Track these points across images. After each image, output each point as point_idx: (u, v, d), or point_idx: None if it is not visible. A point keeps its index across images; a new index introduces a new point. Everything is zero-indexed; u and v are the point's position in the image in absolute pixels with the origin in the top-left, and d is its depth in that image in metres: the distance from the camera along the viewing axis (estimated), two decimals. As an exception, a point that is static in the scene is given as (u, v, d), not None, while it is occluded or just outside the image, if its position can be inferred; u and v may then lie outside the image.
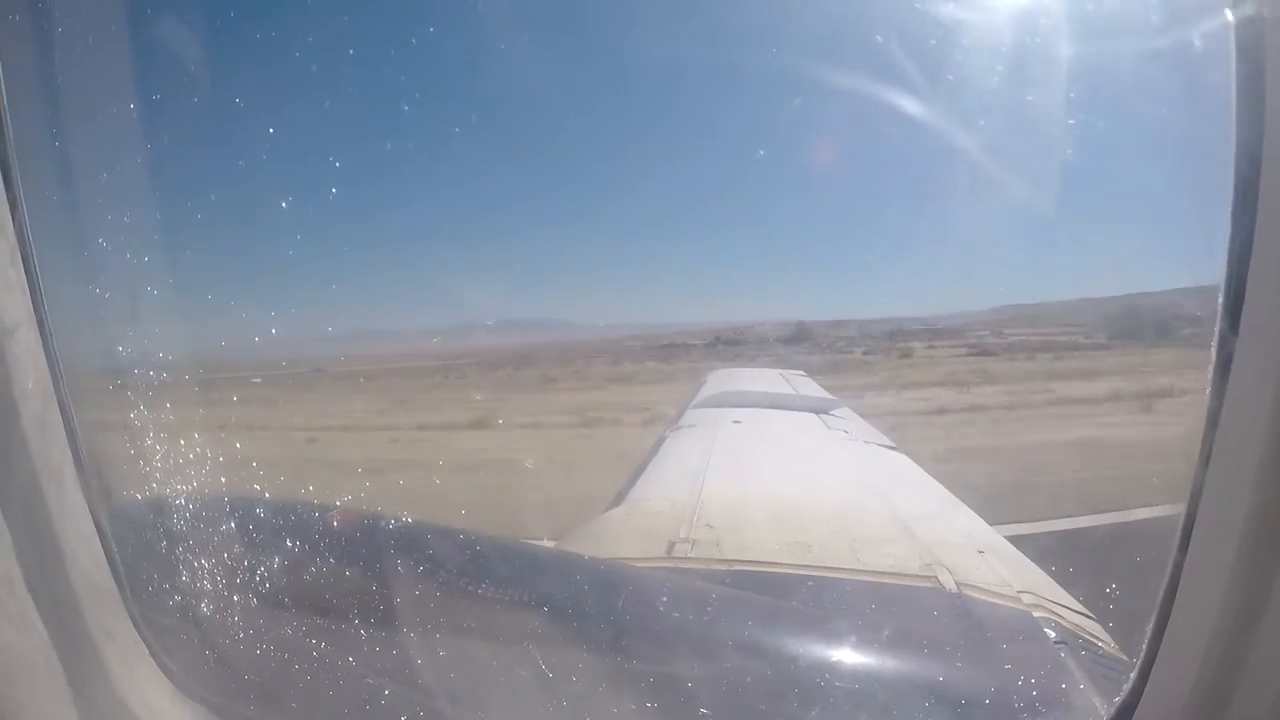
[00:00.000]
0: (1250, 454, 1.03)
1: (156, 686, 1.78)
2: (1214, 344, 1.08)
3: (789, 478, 5.00)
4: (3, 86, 1.60)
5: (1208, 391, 1.10)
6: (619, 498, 4.80)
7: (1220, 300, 1.07)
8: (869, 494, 4.55)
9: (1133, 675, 1.32)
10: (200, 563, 2.26)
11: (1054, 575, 3.05)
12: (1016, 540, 3.59)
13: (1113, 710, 1.40)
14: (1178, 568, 1.17)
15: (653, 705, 1.98)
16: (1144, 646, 1.27)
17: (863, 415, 8.36)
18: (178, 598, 2.17)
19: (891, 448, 6.38)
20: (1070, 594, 2.81)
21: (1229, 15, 1.03)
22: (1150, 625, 1.24)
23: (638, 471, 5.50)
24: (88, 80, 2.17)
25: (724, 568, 2.92)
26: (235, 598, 2.27)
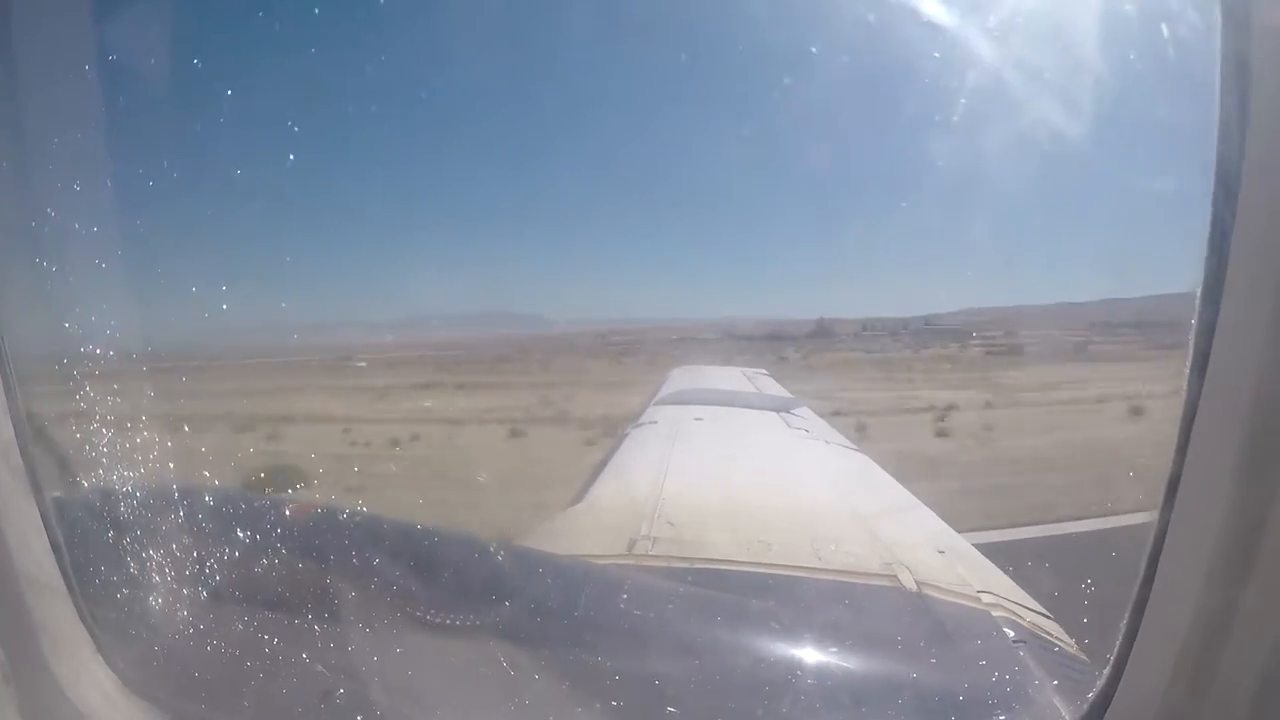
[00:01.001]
0: (1225, 452, 1.04)
1: (102, 682, 1.73)
2: (1189, 344, 1.10)
3: (750, 476, 5.01)
4: None
5: (1184, 389, 1.11)
6: (580, 494, 4.77)
7: (1197, 303, 1.08)
8: (830, 493, 4.59)
9: (1106, 672, 1.34)
10: (150, 556, 2.20)
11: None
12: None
13: (1084, 708, 1.41)
14: (1152, 565, 1.18)
15: (614, 703, 1.97)
16: (1117, 644, 1.28)
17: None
18: (126, 591, 2.11)
19: (851, 448, 6.44)
20: (1029, 593, 2.85)
21: (1217, 17, 1.04)
22: (1124, 623, 1.26)
23: (599, 468, 5.47)
24: (37, 62, 2.09)
25: (685, 565, 2.91)
26: (185, 592, 2.21)
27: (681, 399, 8.30)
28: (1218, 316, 1.05)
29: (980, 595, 2.67)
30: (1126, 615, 1.24)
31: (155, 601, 2.15)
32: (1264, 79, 0.98)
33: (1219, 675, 1.09)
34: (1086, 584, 3.45)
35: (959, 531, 3.81)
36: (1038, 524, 10.92)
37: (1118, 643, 1.28)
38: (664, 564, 2.94)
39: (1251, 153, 1.00)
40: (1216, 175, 1.04)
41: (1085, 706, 1.40)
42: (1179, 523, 1.14)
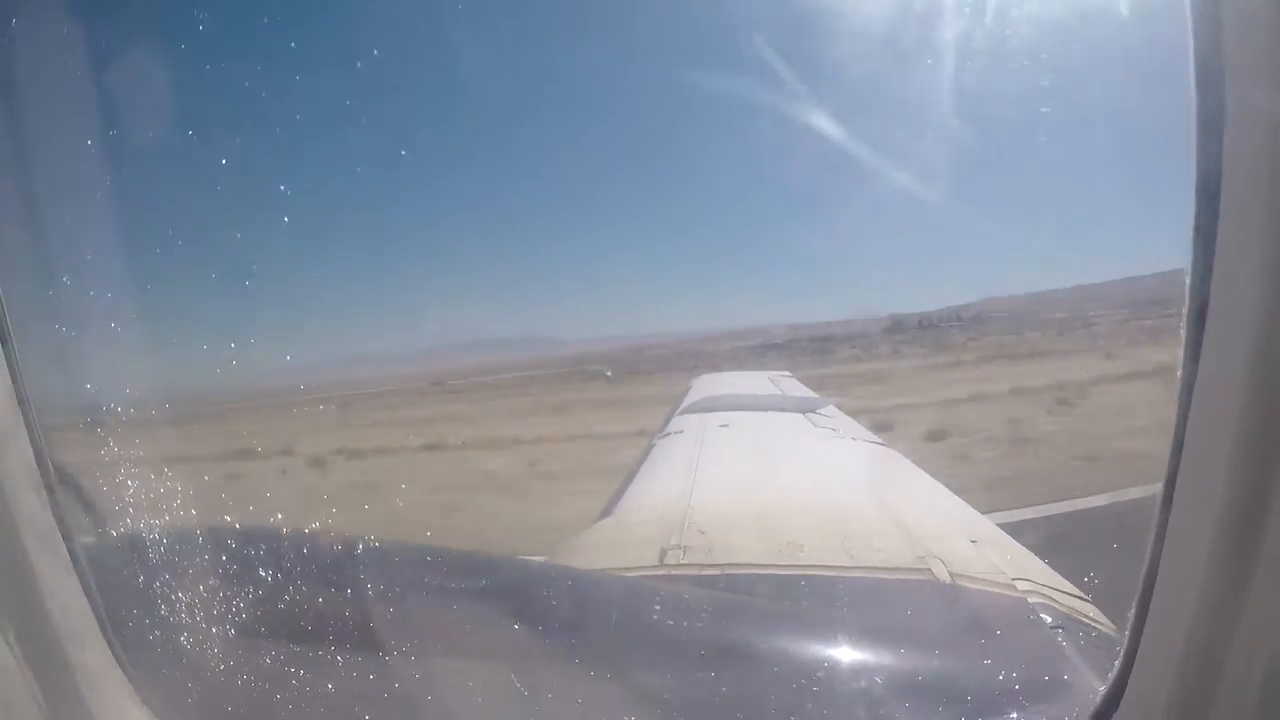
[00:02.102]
0: (1223, 436, 1.02)
1: (125, 702, 1.75)
2: (1182, 329, 1.08)
3: (778, 479, 4.99)
4: None
5: (1179, 374, 1.09)
6: (608, 508, 4.77)
7: (1187, 284, 1.06)
8: (859, 490, 4.55)
9: (1118, 662, 1.31)
10: (180, 596, 2.22)
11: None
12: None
13: (1098, 699, 1.39)
14: (1157, 551, 1.16)
15: (653, 716, 1.96)
16: (1127, 632, 1.26)
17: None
18: (158, 633, 2.13)
19: (880, 443, 6.39)
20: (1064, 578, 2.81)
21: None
22: (1132, 611, 1.24)
23: (626, 480, 5.47)
24: (55, 108, 2.14)
25: (717, 572, 2.90)
26: (216, 630, 2.23)
27: (705, 406, 8.29)
28: (1208, 302, 1.04)
29: (1015, 582, 2.63)
30: (1133, 610, 1.22)
31: (187, 641, 2.17)
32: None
33: (1227, 666, 1.06)
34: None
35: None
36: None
37: (1127, 631, 1.25)
38: (696, 572, 2.93)
39: (1230, 137, 0.99)
40: (1197, 163, 1.03)
41: (1098, 698, 1.37)
42: (1179, 514, 1.12)
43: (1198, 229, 1.04)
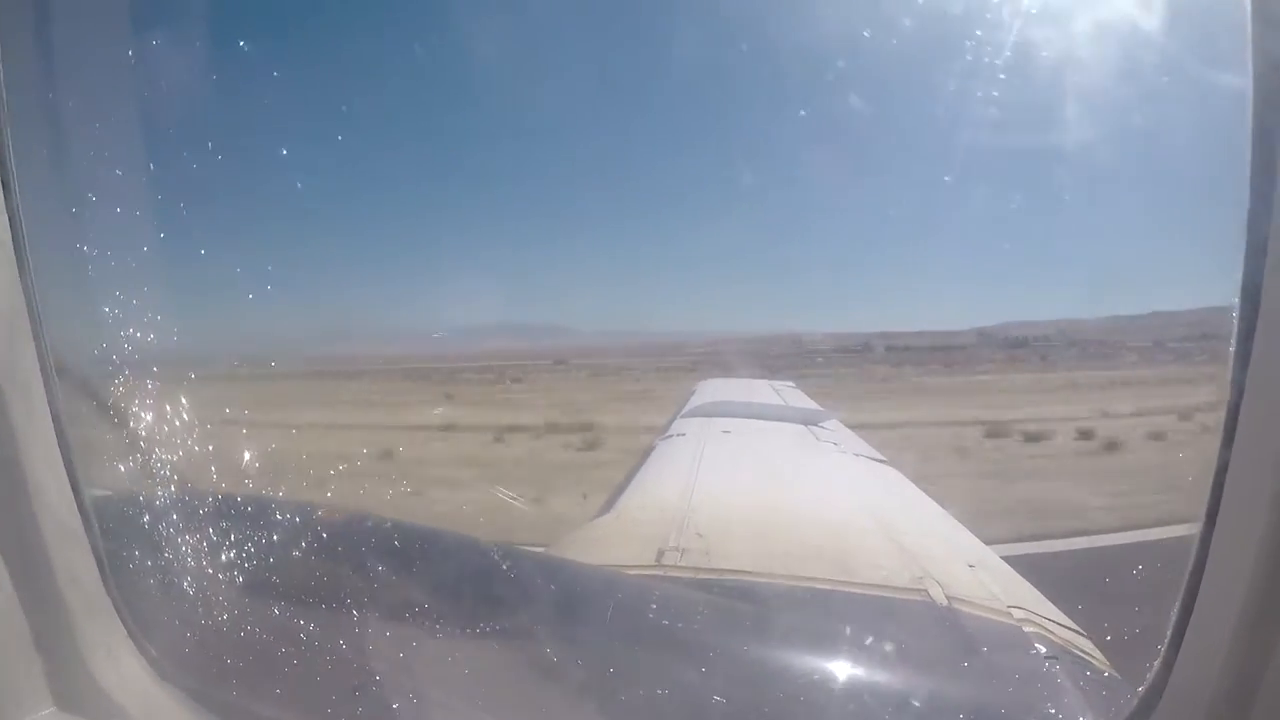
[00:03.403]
0: (1267, 464, 1.02)
1: (131, 667, 1.77)
2: (1230, 353, 1.08)
3: (779, 488, 4.98)
4: (2, 84, 1.60)
5: (1225, 401, 1.09)
6: (608, 505, 4.77)
7: (1235, 315, 1.06)
8: (859, 506, 4.54)
9: (1150, 677, 1.31)
10: (183, 549, 2.24)
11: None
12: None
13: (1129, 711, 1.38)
14: (1197, 573, 1.16)
15: (641, 714, 1.96)
16: (1162, 651, 1.26)
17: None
18: (159, 582, 2.15)
19: (881, 460, 6.37)
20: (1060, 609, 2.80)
21: (1246, 17, 1.02)
22: (1168, 635, 1.23)
23: (627, 479, 5.47)
24: (86, 75, 2.16)
25: (713, 576, 2.90)
26: (217, 585, 2.25)
27: (709, 411, 8.27)
28: (1256, 321, 1.03)
29: (1011, 610, 2.62)
30: (1172, 622, 1.22)
31: (188, 593, 2.19)
32: None
33: (1265, 682, 1.06)
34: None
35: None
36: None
37: (1162, 650, 1.25)
38: (692, 575, 2.93)
39: None
40: (1251, 185, 1.03)
41: (1132, 708, 1.37)
42: (1224, 528, 1.11)
43: (1247, 265, 1.04)
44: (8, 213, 1.58)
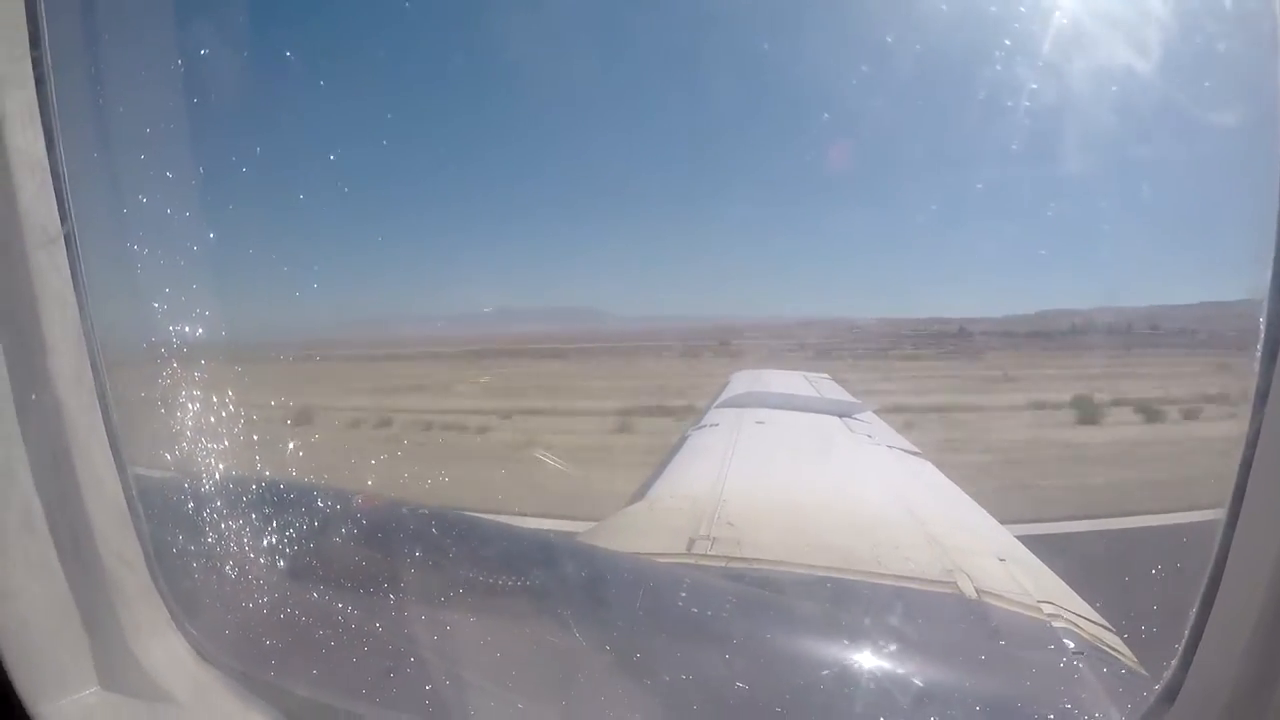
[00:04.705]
0: None
1: (174, 647, 1.81)
2: (1259, 346, 1.06)
3: (811, 479, 4.96)
4: (50, 75, 1.63)
5: (1252, 391, 1.08)
6: (641, 493, 4.80)
7: (1265, 304, 1.05)
8: (891, 498, 4.52)
9: (1170, 671, 1.30)
10: (225, 531, 2.30)
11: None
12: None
13: (1149, 705, 1.37)
14: (1220, 565, 1.15)
15: (667, 701, 1.98)
16: (1183, 643, 1.25)
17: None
18: (201, 563, 2.21)
19: (915, 453, 6.31)
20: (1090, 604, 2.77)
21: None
22: (1190, 623, 1.22)
23: (660, 467, 5.49)
24: (136, 79, 2.22)
25: (744, 566, 2.91)
26: (259, 569, 2.30)
27: (743, 402, 8.26)
28: None
29: (1041, 605, 2.60)
30: (1193, 615, 1.21)
31: (229, 574, 2.25)
32: None
33: None
34: None
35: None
36: None
37: (1183, 642, 1.24)
38: (723, 564, 2.94)
39: None
40: None
41: (1150, 703, 1.36)
42: (1246, 527, 1.10)
43: (1278, 259, 1.02)
44: (60, 211, 1.63)
